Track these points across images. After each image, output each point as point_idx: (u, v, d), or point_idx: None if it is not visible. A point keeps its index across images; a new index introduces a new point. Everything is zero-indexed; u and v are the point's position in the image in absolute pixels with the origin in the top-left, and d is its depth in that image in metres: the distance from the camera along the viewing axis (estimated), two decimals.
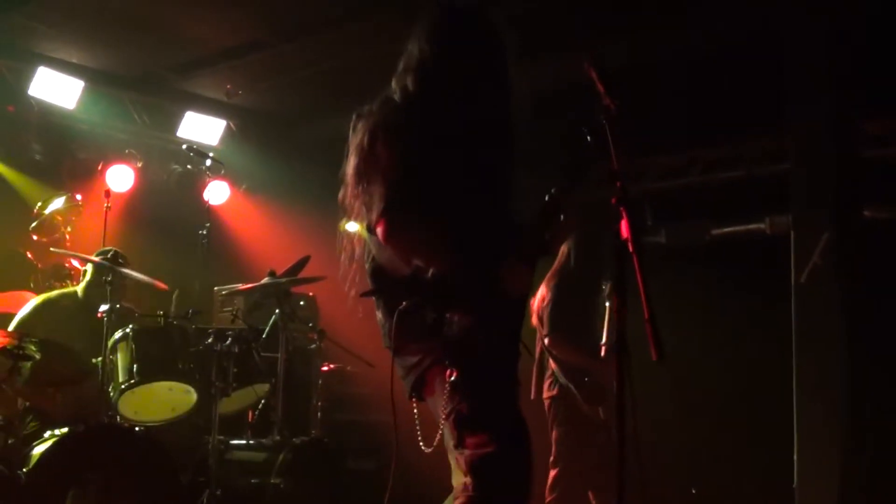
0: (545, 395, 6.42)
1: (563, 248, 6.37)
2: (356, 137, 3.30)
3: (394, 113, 3.31)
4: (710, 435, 8.03)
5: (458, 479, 3.16)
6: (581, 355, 6.27)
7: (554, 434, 6.37)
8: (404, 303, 3.18)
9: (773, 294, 7.24)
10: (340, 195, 3.42)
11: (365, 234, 3.42)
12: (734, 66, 7.35)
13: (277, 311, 6.52)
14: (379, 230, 3.18)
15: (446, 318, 3.16)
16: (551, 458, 6.34)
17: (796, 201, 6.97)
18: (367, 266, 3.42)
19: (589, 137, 3.24)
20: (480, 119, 3.30)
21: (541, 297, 6.37)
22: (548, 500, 6.37)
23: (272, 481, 5.78)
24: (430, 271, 3.17)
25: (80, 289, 6.44)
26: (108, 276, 5.98)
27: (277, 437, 6.14)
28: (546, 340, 6.26)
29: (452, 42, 3.35)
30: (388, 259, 3.26)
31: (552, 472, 6.32)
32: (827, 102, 6.80)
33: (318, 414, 6.80)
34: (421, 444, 3.23)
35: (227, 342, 5.95)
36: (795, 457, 6.80)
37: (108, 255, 6.38)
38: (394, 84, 3.42)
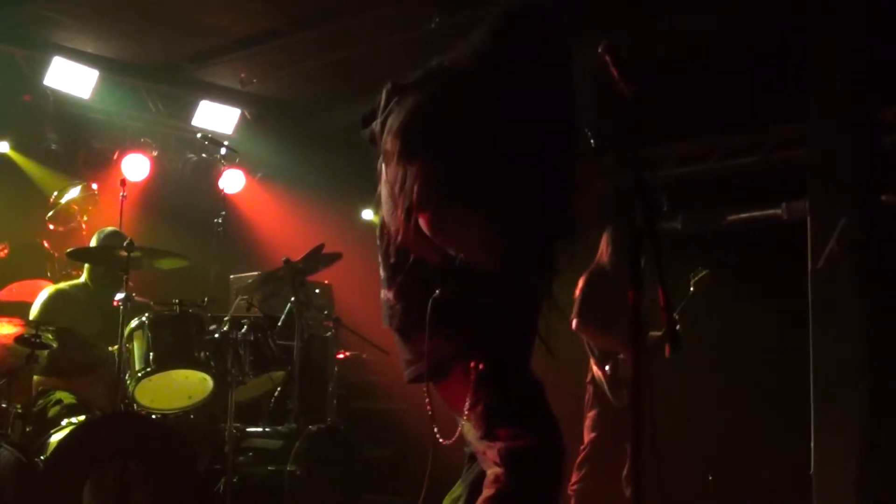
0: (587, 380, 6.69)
1: (604, 238, 6.61)
2: (398, 114, 3.16)
3: (442, 91, 3.16)
4: (726, 422, 8.01)
5: (489, 470, 3.13)
6: (609, 339, 6.41)
7: (586, 416, 6.62)
8: (438, 291, 3.12)
9: (790, 280, 7.21)
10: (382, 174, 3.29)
11: (380, 217, 3.36)
12: (752, 51, 7.32)
13: (293, 298, 6.52)
14: (422, 219, 3.06)
15: (479, 309, 3.12)
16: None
17: (813, 187, 6.94)
18: (380, 247, 3.36)
19: (592, 141, 3.23)
20: (538, 113, 3.17)
21: (578, 287, 6.51)
22: (574, 478, 6.46)
23: (288, 468, 5.80)
24: (466, 261, 3.10)
25: (86, 277, 6.44)
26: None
27: (293, 425, 6.15)
28: (573, 324, 6.38)
29: (517, 33, 3.23)
30: (412, 242, 3.17)
31: (581, 452, 6.48)
32: (846, 88, 6.76)
33: (334, 401, 6.81)
34: (438, 436, 3.20)
35: (243, 330, 5.96)
36: (812, 444, 6.77)
37: (106, 234, 6.39)
38: (442, 61, 3.27)
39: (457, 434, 3.18)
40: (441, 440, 3.18)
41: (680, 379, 6.94)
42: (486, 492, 3.11)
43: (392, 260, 3.26)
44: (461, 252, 3.10)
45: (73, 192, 8.23)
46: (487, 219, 3.09)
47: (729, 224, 8.35)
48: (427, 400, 3.17)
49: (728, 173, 8.39)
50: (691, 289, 6.72)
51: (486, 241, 3.10)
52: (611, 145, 3.05)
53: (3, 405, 5.45)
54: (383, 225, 3.32)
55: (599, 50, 2.89)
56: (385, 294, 3.32)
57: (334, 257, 6.64)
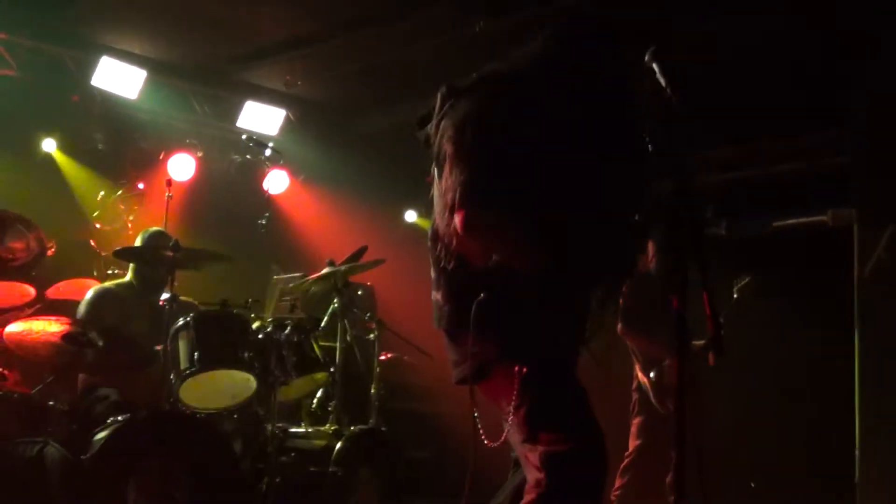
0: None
1: (650, 244, 6.65)
2: (452, 118, 3.17)
3: (495, 97, 3.17)
4: (769, 429, 7.96)
5: (530, 474, 3.13)
6: (654, 345, 6.39)
7: (632, 422, 6.65)
8: (482, 293, 3.13)
9: (836, 288, 7.15)
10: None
11: (432, 219, 3.37)
12: (796, 56, 7.26)
13: (336, 300, 6.55)
14: (457, 219, 3.08)
15: (522, 312, 3.12)
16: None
17: (859, 194, 6.87)
18: (431, 248, 3.37)
19: (650, 146, 3.21)
20: (593, 121, 3.16)
21: (624, 292, 6.49)
22: (617, 484, 6.46)
23: (330, 469, 5.82)
24: (500, 264, 3.11)
25: (131, 277, 6.50)
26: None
27: (335, 426, 6.18)
28: (618, 329, 6.38)
29: (575, 42, 3.24)
30: (460, 245, 3.18)
31: (626, 459, 6.48)
32: (892, 92, 6.69)
33: (376, 403, 6.82)
34: (484, 438, 3.20)
35: (286, 331, 5.98)
36: (857, 452, 6.72)
37: (151, 234, 6.45)
38: (498, 67, 3.28)
39: (503, 436, 3.18)
40: (486, 441, 3.18)
41: (725, 386, 6.90)
42: (527, 496, 3.10)
43: (441, 262, 3.28)
44: (495, 253, 3.12)
45: (120, 192, 8.33)
46: (528, 223, 3.09)
47: (774, 230, 8.29)
48: (472, 401, 3.19)
49: (773, 179, 8.33)
50: (735, 296, 6.68)
51: (518, 244, 3.11)
52: (660, 151, 3.04)
53: (50, 403, 5.51)
54: (435, 227, 3.34)
55: (646, 57, 2.89)
56: (435, 295, 3.35)
57: (377, 263, 6.66)
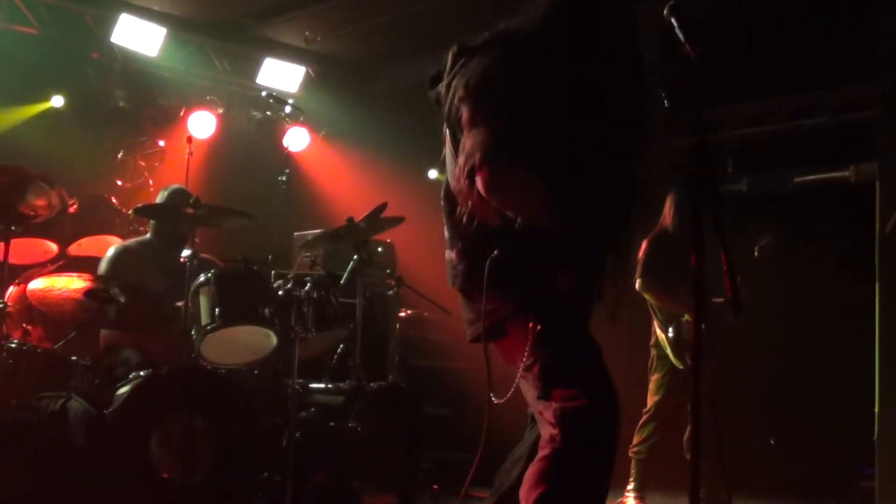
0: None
1: (668, 200, 6.56)
2: (464, 77, 3.14)
3: (507, 55, 3.12)
4: (790, 385, 7.96)
5: (545, 430, 3.14)
6: (673, 300, 6.39)
7: (650, 379, 6.64)
8: (496, 251, 3.12)
9: (857, 243, 7.13)
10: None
11: (445, 178, 3.37)
12: (819, 7, 7.18)
13: (355, 257, 6.56)
14: (479, 179, 3.05)
15: (536, 269, 3.12)
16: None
17: (882, 149, 6.82)
18: (444, 208, 3.37)
19: (666, 101, 3.18)
20: (604, 77, 3.11)
21: (642, 248, 6.48)
22: (635, 441, 6.49)
23: (349, 425, 5.86)
24: (525, 223, 3.10)
25: (152, 234, 6.52)
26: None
27: (355, 382, 6.21)
28: (637, 283, 6.37)
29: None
30: (474, 204, 3.18)
31: (644, 415, 6.50)
32: None
33: (395, 359, 6.86)
34: (492, 394, 3.22)
35: (306, 288, 5.99)
36: (877, 409, 6.72)
37: (172, 191, 6.47)
38: (509, 24, 3.22)
39: (510, 393, 3.19)
40: (494, 399, 3.19)
41: (744, 343, 6.90)
42: (542, 452, 3.11)
43: (455, 221, 3.28)
44: (516, 212, 3.10)
45: (141, 149, 8.34)
46: (546, 180, 3.07)
47: (795, 186, 8.24)
48: (487, 359, 3.20)
49: (794, 134, 8.26)
50: (755, 254, 6.65)
51: (541, 201, 3.10)
52: (677, 107, 3.02)
53: (73, 358, 5.57)
54: (447, 186, 3.34)
55: (665, 12, 2.87)
56: (449, 254, 3.35)
57: (397, 220, 6.66)
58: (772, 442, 8.16)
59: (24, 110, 8.76)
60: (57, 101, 8.87)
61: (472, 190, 3.11)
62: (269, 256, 6.47)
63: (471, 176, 3.09)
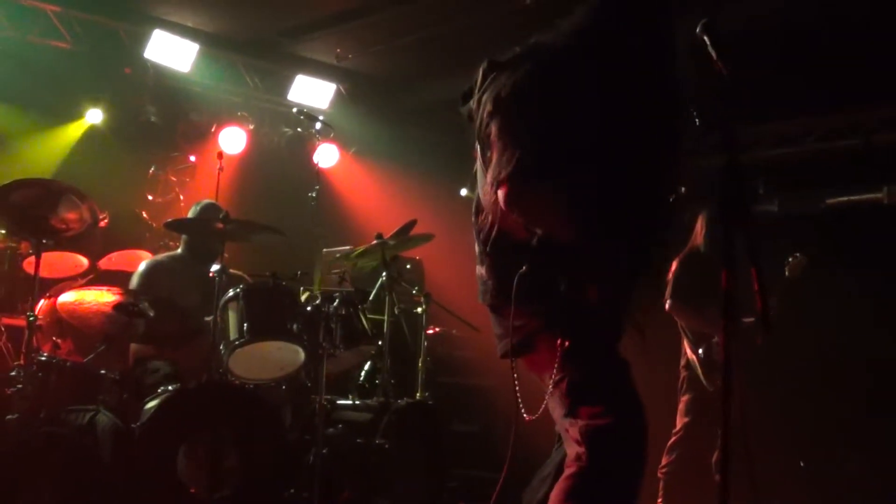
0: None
1: (699, 220, 6.56)
2: (493, 92, 3.14)
3: (538, 70, 3.12)
4: (820, 409, 7.87)
5: (571, 448, 3.12)
6: (703, 321, 6.36)
7: (680, 400, 6.61)
8: (524, 266, 3.11)
9: (890, 265, 7.06)
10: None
11: (476, 193, 3.37)
12: (852, 30, 7.14)
13: (384, 274, 6.56)
14: (501, 193, 3.07)
15: (566, 287, 3.10)
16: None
17: None
18: (475, 223, 3.36)
19: (697, 120, 3.17)
20: (637, 93, 3.11)
21: (672, 268, 6.46)
22: (664, 461, 6.45)
23: (377, 441, 5.85)
24: (543, 237, 3.09)
25: (183, 249, 6.54)
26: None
27: (382, 399, 6.20)
28: (667, 305, 6.34)
29: (619, 13, 3.17)
30: (503, 219, 3.17)
31: (673, 436, 6.45)
32: None
33: (423, 376, 6.84)
34: (523, 411, 3.19)
35: (335, 304, 6.00)
36: None
37: (203, 206, 6.48)
38: (540, 39, 3.23)
39: (541, 410, 3.17)
40: (526, 416, 3.17)
41: (774, 364, 6.84)
42: (568, 470, 3.09)
43: (485, 236, 3.28)
44: (538, 227, 3.10)
45: (172, 165, 8.38)
46: (570, 195, 3.06)
47: (828, 207, 8.18)
48: (513, 375, 3.18)
49: (827, 155, 8.21)
50: (787, 274, 6.60)
51: (562, 217, 3.09)
52: (709, 125, 3.00)
53: (102, 371, 5.59)
54: (478, 202, 3.34)
55: (697, 30, 2.85)
56: (479, 270, 3.35)
57: (426, 238, 6.66)
58: (802, 465, 8.07)
59: (65, 133, 8.82)
60: (94, 115, 8.92)
61: (498, 202, 3.12)
62: (298, 272, 6.47)
63: (496, 190, 3.09)
